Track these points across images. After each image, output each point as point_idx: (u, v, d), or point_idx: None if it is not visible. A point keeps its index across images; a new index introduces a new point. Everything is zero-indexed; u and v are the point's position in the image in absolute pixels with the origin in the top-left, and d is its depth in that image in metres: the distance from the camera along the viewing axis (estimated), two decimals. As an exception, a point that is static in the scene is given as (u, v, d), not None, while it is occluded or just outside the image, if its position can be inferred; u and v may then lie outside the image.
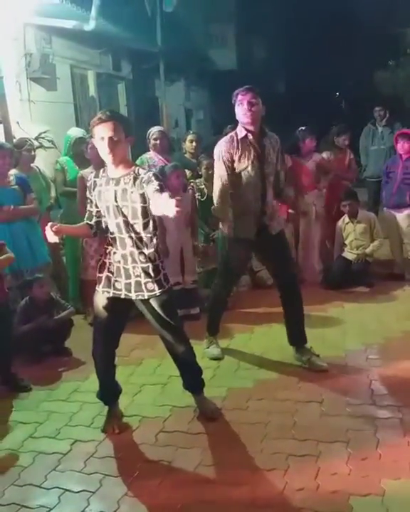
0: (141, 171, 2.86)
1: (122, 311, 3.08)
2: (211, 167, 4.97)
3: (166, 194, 2.62)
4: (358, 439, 2.91)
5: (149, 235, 2.91)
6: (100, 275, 3.05)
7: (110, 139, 2.79)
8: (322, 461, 2.76)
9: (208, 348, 4.09)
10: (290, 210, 5.52)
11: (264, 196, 3.70)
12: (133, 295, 2.98)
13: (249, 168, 3.60)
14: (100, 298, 3.05)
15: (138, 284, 2.95)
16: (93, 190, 2.98)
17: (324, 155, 6.16)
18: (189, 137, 5.79)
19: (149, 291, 2.95)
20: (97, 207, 2.99)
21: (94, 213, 3.02)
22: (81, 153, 5.08)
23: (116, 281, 2.99)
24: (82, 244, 4.87)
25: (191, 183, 5.17)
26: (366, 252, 5.61)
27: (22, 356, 4.06)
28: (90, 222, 3.06)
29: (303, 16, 15.93)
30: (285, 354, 3.95)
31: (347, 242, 5.71)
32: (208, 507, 2.50)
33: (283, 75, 19.70)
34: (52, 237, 2.83)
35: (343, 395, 3.39)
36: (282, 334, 3.95)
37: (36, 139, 6.13)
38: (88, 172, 4.71)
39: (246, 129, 3.59)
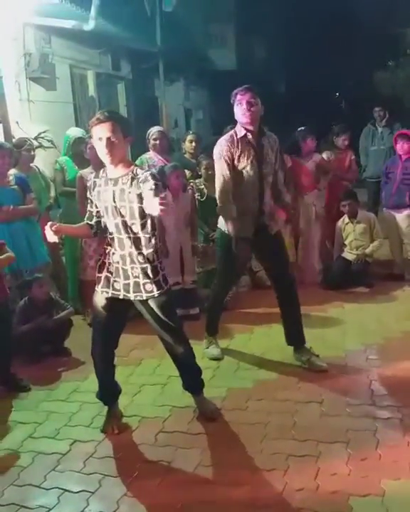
0: (139, 171, 2.86)
1: (121, 311, 3.07)
2: (210, 167, 4.97)
3: (151, 193, 2.61)
4: (358, 440, 2.91)
5: (147, 236, 2.90)
6: (99, 275, 3.04)
7: (108, 139, 2.79)
8: (322, 461, 2.76)
9: (207, 348, 4.09)
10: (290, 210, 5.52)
11: (262, 196, 3.70)
12: (132, 296, 2.98)
13: (248, 168, 3.60)
14: (99, 298, 3.05)
15: (136, 284, 2.95)
16: (93, 190, 2.98)
17: (325, 155, 6.16)
18: (189, 137, 5.79)
19: (147, 292, 2.95)
20: (97, 207, 2.99)
21: (94, 213, 3.02)
22: (80, 153, 5.07)
23: (115, 281, 2.99)
24: (81, 245, 4.87)
25: (191, 183, 5.17)
26: (366, 253, 5.61)
27: (21, 356, 4.05)
28: (90, 222, 3.06)
29: (303, 16, 15.94)
30: (284, 354, 3.95)
31: (346, 242, 5.71)
32: (207, 507, 2.50)
33: (283, 75, 19.69)
34: (51, 237, 2.83)
35: (343, 395, 3.39)
36: (282, 334, 3.95)
37: (36, 138, 6.13)
38: (87, 172, 4.72)
39: (245, 129, 3.59)
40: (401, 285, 5.50)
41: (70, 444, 3.06)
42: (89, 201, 3.04)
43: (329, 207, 6.00)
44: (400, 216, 5.63)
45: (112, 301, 3.02)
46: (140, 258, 2.91)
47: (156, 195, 2.57)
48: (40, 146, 6.18)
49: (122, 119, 2.91)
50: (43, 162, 5.74)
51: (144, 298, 2.96)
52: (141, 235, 2.89)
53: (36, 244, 4.56)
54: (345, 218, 5.73)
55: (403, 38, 14.04)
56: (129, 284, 2.96)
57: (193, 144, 5.69)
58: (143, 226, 2.88)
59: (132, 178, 2.83)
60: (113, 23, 8.53)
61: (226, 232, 3.78)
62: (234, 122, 3.70)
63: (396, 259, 5.80)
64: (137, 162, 5.17)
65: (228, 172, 3.59)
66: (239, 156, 3.58)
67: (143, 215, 2.84)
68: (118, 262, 2.96)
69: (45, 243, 4.56)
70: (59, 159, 5.32)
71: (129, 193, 2.82)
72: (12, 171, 4.53)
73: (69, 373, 3.97)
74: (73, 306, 4.64)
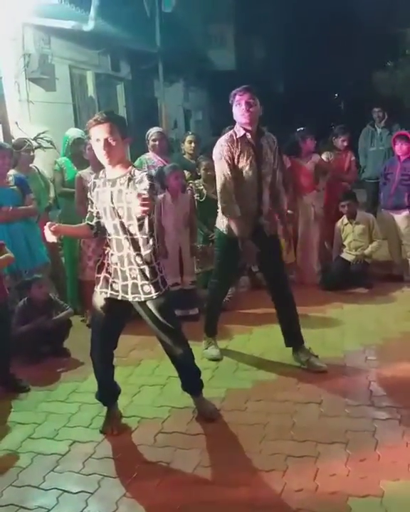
0: (136, 171, 2.86)
1: (120, 311, 3.07)
2: (209, 168, 4.97)
3: (135, 193, 2.62)
4: (357, 440, 2.91)
5: (144, 237, 2.90)
6: (99, 276, 3.04)
7: (106, 140, 2.80)
8: (321, 462, 2.76)
9: (206, 349, 4.09)
10: (288, 211, 5.52)
11: (261, 196, 3.71)
12: (130, 297, 2.98)
13: (247, 168, 3.60)
14: (98, 298, 3.05)
15: (135, 286, 2.95)
16: (92, 191, 2.99)
17: (324, 156, 6.17)
18: (188, 138, 5.79)
19: (145, 293, 2.95)
20: (96, 208, 2.99)
21: (94, 214, 3.02)
22: (79, 153, 5.07)
23: (113, 282, 2.99)
24: (79, 245, 4.87)
25: (190, 184, 5.17)
26: (365, 253, 5.62)
27: (20, 357, 4.05)
28: (90, 223, 3.06)
29: (302, 16, 15.95)
30: (284, 355, 3.95)
31: (345, 243, 5.72)
32: (206, 508, 2.50)
33: (282, 75, 19.70)
34: (50, 237, 2.83)
35: (342, 395, 3.39)
36: (281, 335, 3.94)
37: (35, 139, 6.12)
38: (87, 172, 4.72)
39: (244, 129, 3.59)
40: (400, 286, 5.50)
41: (69, 445, 3.06)
42: (89, 202, 3.05)
43: (328, 207, 6.01)
44: (399, 217, 5.63)
45: (111, 302, 3.02)
46: (138, 259, 2.91)
47: (143, 195, 2.56)
48: (40, 146, 6.17)
49: (119, 120, 2.92)
50: (42, 163, 5.74)
51: (142, 299, 2.96)
52: (138, 236, 2.89)
53: (35, 244, 4.56)
54: (344, 219, 5.74)
55: (403, 38, 14.02)
56: (127, 285, 2.96)
57: (193, 144, 5.69)
58: (140, 227, 2.87)
59: (129, 179, 2.83)
60: (112, 23, 8.54)
61: (224, 232, 3.79)
62: (233, 123, 3.71)
63: (395, 260, 5.81)
64: (137, 163, 5.17)
65: (229, 172, 3.59)
66: (239, 156, 3.59)
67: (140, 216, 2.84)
68: (116, 263, 2.96)
69: (44, 244, 4.56)
70: (58, 160, 5.32)
71: (127, 194, 2.81)
72: (11, 172, 4.53)
73: (68, 374, 3.97)
74: (72, 307, 4.64)
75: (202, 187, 5.24)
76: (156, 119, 10.84)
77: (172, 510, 2.50)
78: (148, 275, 2.92)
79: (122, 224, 2.88)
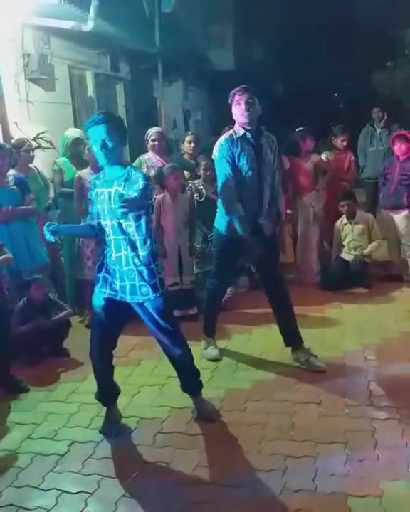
0: (133, 172, 2.86)
1: (120, 312, 3.06)
2: (209, 168, 4.98)
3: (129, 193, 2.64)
4: (356, 440, 2.92)
5: (142, 238, 2.90)
6: (98, 275, 3.05)
7: (103, 141, 2.80)
8: (320, 462, 2.76)
9: (206, 349, 4.09)
10: (288, 211, 5.53)
11: (261, 196, 3.71)
12: (128, 298, 2.98)
13: (247, 168, 3.61)
14: (98, 298, 3.05)
15: (133, 287, 2.95)
16: (92, 191, 3.00)
17: (324, 156, 6.17)
18: (188, 138, 5.79)
19: (143, 294, 2.95)
20: (96, 208, 3.00)
21: (95, 215, 3.03)
22: (78, 153, 5.07)
23: (112, 282, 2.99)
24: (78, 245, 4.87)
25: (190, 184, 5.17)
26: (364, 253, 5.62)
27: (20, 357, 4.05)
28: (92, 223, 3.06)
29: (301, 17, 15.93)
30: (283, 355, 3.95)
31: (345, 243, 5.72)
32: (206, 508, 2.50)
33: (281, 75, 19.67)
34: (49, 237, 2.83)
35: (341, 395, 3.39)
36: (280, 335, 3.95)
37: (34, 139, 6.12)
38: (86, 173, 4.72)
39: (244, 129, 3.59)
40: (399, 286, 5.50)
41: (68, 445, 3.06)
42: (91, 202, 3.05)
43: (328, 207, 6.01)
44: (398, 217, 5.63)
45: (110, 302, 3.02)
46: (136, 260, 2.91)
47: (133, 197, 2.59)
48: (39, 146, 6.17)
49: (117, 121, 2.92)
50: (41, 163, 5.74)
51: (141, 300, 2.97)
52: (136, 236, 2.89)
53: (35, 244, 4.56)
54: (343, 219, 5.74)
55: (402, 38, 14.00)
56: (125, 286, 2.96)
57: (192, 144, 5.68)
58: (138, 228, 2.88)
59: (126, 180, 2.84)
60: (112, 23, 8.53)
61: (223, 232, 3.78)
62: (232, 123, 3.71)
63: (394, 260, 5.81)
64: (136, 163, 5.17)
65: (231, 171, 3.60)
66: (239, 156, 3.59)
67: (137, 216, 2.84)
68: (115, 264, 2.96)
69: (44, 244, 4.56)
70: (57, 160, 5.32)
71: (123, 194, 2.82)
72: (11, 172, 4.53)
73: (68, 374, 3.97)
74: (71, 307, 4.64)
75: (201, 187, 5.24)
76: (155, 119, 10.84)
77: (171, 511, 2.50)
78: (146, 276, 2.92)
79: (119, 225, 2.88)
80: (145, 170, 5.08)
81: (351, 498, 2.48)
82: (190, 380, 3.27)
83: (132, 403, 3.47)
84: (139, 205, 2.75)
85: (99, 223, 3.02)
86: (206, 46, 15.12)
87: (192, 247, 4.92)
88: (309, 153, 5.78)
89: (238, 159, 3.60)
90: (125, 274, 2.94)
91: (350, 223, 5.68)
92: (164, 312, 3.01)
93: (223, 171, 3.63)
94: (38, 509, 2.57)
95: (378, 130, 7.58)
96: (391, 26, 14.07)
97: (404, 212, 5.59)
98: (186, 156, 5.74)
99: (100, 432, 3.16)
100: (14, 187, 4.44)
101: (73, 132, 5.47)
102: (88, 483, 2.72)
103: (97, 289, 3.05)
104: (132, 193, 2.76)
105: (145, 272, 2.92)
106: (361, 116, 8.87)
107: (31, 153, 5.15)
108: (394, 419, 3.11)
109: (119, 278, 2.96)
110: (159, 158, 5.21)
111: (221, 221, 3.80)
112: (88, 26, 7.48)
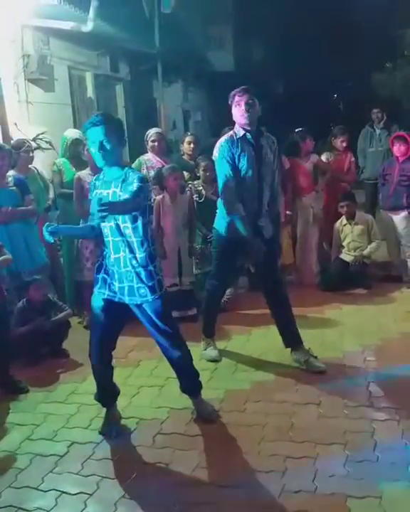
0: (130, 173, 2.86)
1: (119, 312, 3.06)
2: (208, 169, 4.98)
3: (126, 195, 2.64)
4: (356, 441, 2.91)
5: (139, 239, 2.90)
6: (97, 276, 3.05)
7: (101, 142, 2.80)
8: (320, 463, 2.76)
9: (205, 350, 4.08)
10: (287, 212, 5.53)
11: (260, 197, 3.71)
12: (126, 299, 2.98)
13: (247, 168, 3.61)
14: (97, 299, 3.05)
15: (131, 288, 2.95)
16: (92, 192, 3.00)
17: (324, 157, 6.17)
18: (187, 139, 5.78)
19: (141, 296, 2.95)
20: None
21: (95, 215, 3.03)
22: (78, 154, 5.07)
23: (111, 283, 2.99)
24: (77, 246, 4.87)
25: (189, 185, 5.17)
26: (364, 254, 5.62)
27: (19, 358, 4.05)
28: (92, 224, 3.06)
29: (301, 17, 15.93)
30: (282, 356, 3.95)
31: (344, 243, 5.72)
32: (205, 509, 2.50)
33: (281, 76, 19.68)
34: (49, 237, 2.83)
35: (341, 396, 3.39)
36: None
37: (34, 140, 6.13)
38: (85, 173, 4.72)
39: (244, 130, 3.60)
40: (398, 286, 5.50)
41: (67, 446, 3.06)
42: (91, 203, 3.05)
43: (327, 208, 6.01)
44: (397, 217, 5.63)
45: (109, 303, 3.02)
46: (134, 262, 2.91)
47: (129, 198, 2.60)
48: (39, 147, 6.18)
49: (115, 123, 2.92)
50: (41, 163, 5.75)
51: (139, 302, 2.97)
52: (133, 238, 2.89)
53: (35, 245, 4.56)
54: (343, 219, 5.74)
55: (401, 39, 13.99)
56: (124, 287, 2.96)
57: (192, 145, 5.68)
58: (134, 229, 2.88)
59: (123, 181, 2.84)
60: (111, 24, 8.54)
61: (223, 233, 3.79)
62: (232, 123, 3.71)
63: (394, 261, 5.81)
64: (136, 163, 5.18)
65: (231, 172, 3.60)
66: (239, 156, 3.59)
67: (134, 218, 2.84)
68: (113, 265, 2.96)
69: (43, 244, 4.56)
70: (56, 161, 5.32)
71: (121, 196, 2.82)
72: (11, 173, 4.53)
73: (67, 375, 3.96)
74: (70, 308, 4.64)
75: (201, 188, 5.24)
76: (155, 120, 10.85)
77: (171, 511, 2.50)
78: (144, 278, 2.92)
79: (117, 226, 2.88)
80: (145, 171, 5.08)
81: (351, 499, 2.48)
82: (189, 381, 3.27)
83: (131, 404, 3.46)
84: (131, 207, 2.74)
85: (99, 224, 3.03)
86: (205, 47, 15.14)
87: (192, 247, 4.92)
88: (309, 154, 5.79)
89: (239, 160, 3.60)
90: (124, 275, 2.94)
91: (350, 224, 5.69)
92: (162, 314, 3.01)
93: (223, 171, 3.63)
94: (38, 510, 2.57)
95: (377, 131, 7.59)
96: (391, 26, 14.06)
97: (404, 213, 5.58)
98: (185, 157, 5.74)
99: (100, 433, 3.16)
100: (14, 188, 4.44)
101: (73, 133, 5.47)
102: (88, 484, 2.72)
103: (96, 290, 3.05)
104: (124, 195, 2.77)
105: (143, 274, 2.92)
106: (360, 117, 8.86)
107: (31, 154, 5.15)
108: (394, 420, 3.10)
109: (117, 279, 2.96)
110: (158, 159, 5.21)
111: (220, 222, 3.80)
112: (88, 27, 7.49)
